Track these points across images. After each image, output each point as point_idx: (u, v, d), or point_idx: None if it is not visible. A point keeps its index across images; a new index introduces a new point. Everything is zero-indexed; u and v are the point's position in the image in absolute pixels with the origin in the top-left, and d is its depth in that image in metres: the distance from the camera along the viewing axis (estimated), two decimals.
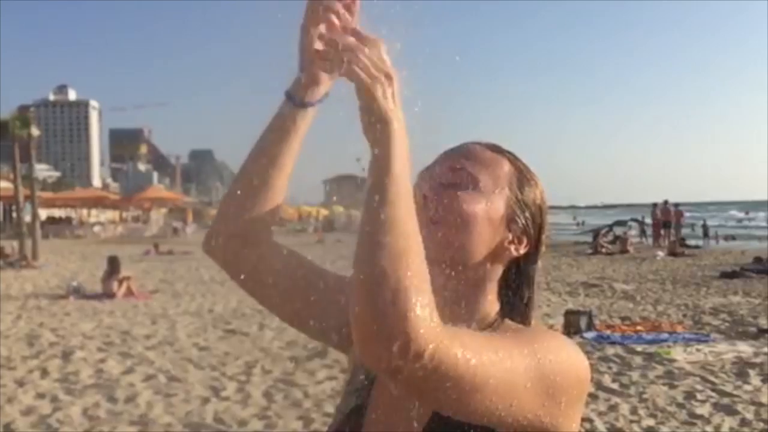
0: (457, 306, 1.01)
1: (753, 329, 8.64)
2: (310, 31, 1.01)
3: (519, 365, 0.89)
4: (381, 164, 0.85)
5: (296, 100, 1.09)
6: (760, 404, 5.63)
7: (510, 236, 1.04)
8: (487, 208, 1.03)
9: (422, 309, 0.80)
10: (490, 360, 0.86)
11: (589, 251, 22.40)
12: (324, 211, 57.41)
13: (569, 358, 0.95)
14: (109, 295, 12.35)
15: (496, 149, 1.09)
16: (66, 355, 7.62)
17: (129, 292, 12.50)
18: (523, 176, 1.08)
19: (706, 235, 29.72)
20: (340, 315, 1.11)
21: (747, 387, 6.14)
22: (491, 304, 1.05)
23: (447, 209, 1.01)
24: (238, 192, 1.13)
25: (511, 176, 1.06)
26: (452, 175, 1.04)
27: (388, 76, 0.87)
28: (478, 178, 1.03)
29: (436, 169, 1.05)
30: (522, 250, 1.06)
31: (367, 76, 0.86)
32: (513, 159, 1.09)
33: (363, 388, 1.07)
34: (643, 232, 29.64)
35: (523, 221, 1.06)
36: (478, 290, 1.04)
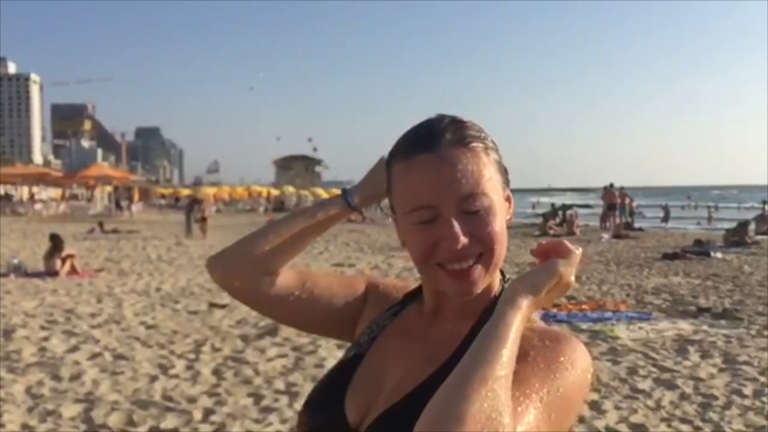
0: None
1: (692, 308, 8.95)
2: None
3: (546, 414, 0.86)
4: (499, 335, 0.84)
5: (353, 205, 1.17)
6: (699, 379, 5.84)
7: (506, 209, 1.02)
8: (502, 209, 0.99)
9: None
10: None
11: (537, 233, 22.79)
12: (274, 191, 56.92)
13: (582, 373, 0.91)
14: (51, 273, 12.03)
15: (469, 139, 0.97)
16: (7, 334, 7.40)
17: (73, 271, 12.20)
18: (494, 148, 1.00)
19: (666, 218, 30.20)
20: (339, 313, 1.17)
21: (686, 363, 6.36)
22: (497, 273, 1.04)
23: (485, 243, 0.95)
24: (267, 246, 1.14)
25: (495, 160, 0.99)
26: (467, 204, 0.95)
27: (568, 284, 0.92)
28: (486, 193, 0.96)
29: (448, 202, 0.94)
30: (511, 210, 1.03)
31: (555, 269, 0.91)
32: (482, 138, 0.99)
33: (365, 343, 1.10)
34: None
35: (508, 188, 1.03)
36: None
